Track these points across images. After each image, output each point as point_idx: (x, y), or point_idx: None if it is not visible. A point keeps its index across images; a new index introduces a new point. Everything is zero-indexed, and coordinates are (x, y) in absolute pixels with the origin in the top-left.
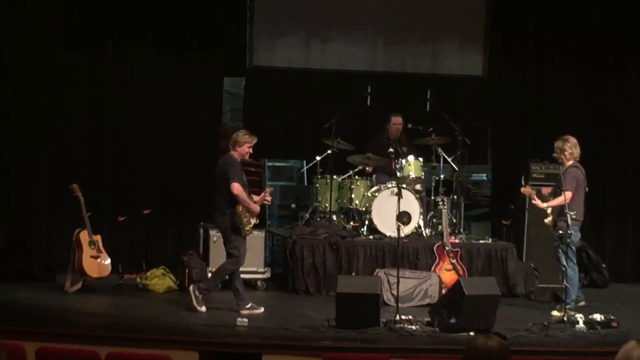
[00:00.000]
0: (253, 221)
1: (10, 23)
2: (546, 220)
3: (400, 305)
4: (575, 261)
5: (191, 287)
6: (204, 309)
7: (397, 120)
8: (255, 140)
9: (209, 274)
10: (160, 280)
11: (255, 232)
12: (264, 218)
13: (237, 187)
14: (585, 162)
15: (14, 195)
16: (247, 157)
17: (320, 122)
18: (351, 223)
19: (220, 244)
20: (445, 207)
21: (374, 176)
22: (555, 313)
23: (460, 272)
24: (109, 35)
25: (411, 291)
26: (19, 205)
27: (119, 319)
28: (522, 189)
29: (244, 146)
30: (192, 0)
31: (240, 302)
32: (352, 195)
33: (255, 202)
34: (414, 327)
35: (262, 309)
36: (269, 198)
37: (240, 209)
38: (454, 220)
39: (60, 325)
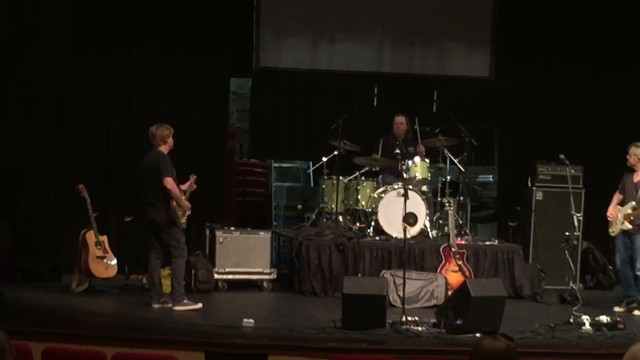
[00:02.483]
0: (185, 216)
1: (17, 24)
2: (619, 229)
3: (406, 306)
4: None
5: (175, 308)
6: (199, 305)
7: (399, 120)
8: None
9: (215, 275)
10: (166, 280)
11: (262, 233)
12: (270, 219)
13: (170, 182)
14: (591, 163)
15: (21, 196)
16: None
17: (326, 123)
18: (357, 224)
19: (228, 245)
20: (451, 208)
21: (380, 177)
22: (617, 309)
23: (467, 274)
24: (115, 36)
25: (417, 292)
26: (26, 206)
27: (125, 319)
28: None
29: (170, 138)
30: (198, 2)
31: (155, 296)
32: (359, 196)
33: (183, 190)
34: (420, 329)
35: (200, 305)
36: (194, 186)
37: (174, 204)
38: (460, 222)
39: (66, 326)
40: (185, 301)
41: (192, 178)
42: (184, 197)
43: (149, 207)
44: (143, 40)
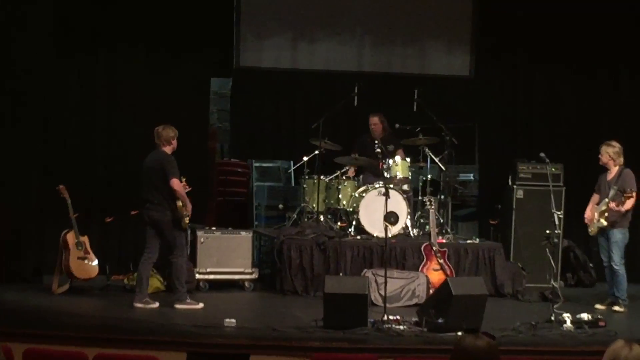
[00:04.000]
0: (187, 216)
1: (1, 28)
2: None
3: (388, 305)
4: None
5: (177, 306)
6: (201, 304)
7: (372, 121)
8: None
9: (196, 275)
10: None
11: (243, 233)
12: (251, 219)
13: (177, 183)
14: (572, 161)
15: (4, 198)
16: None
17: (307, 122)
18: (339, 223)
19: (209, 245)
20: (432, 207)
21: (361, 176)
22: (598, 306)
23: (448, 272)
24: (98, 38)
25: (399, 291)
26: (9, 208)
27: (107, 320)
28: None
29: (175, 140)
30: (179, 2)
31: (139, 294)
32: (340, 196)
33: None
34: (401, 327)
35: (157, 304)
36: (187, 187)
37: (180, 204)
38: (442, 220)
39: (47, 327)
40: (188, 300)
41: (183, 180)
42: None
43: (153, 207)
44: (126, 43)
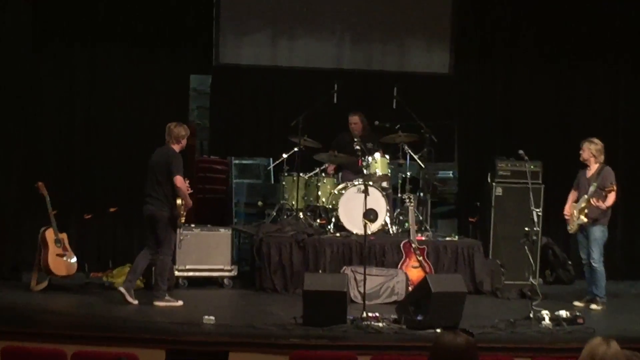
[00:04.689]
0: (184, 215)
1: None
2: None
3: (367, 302)
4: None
5: (156, 303)
6: (180, 302)
7: (352, 120)
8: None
9: (175, 272)
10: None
11: (222, 230)
12: (230, 216)
13: (180, 180)
14: (550, 159)
15: None
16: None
17: (287, 119)
18: (318, 221)
19: (188, 242)
20: (411, 204)
21: (340, 174)
22: (577, 303)
23: (427, 270)
24: (76, 34)
25: (378, 288)
26: None
27: (86, 317)
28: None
29: (184, 140)
30: None
31: (129, 283)
32: (319, 193)
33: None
34: (380, 325)
35: (136, 302)
36: (189, 189)
37: (180, 202)
38: (421, 218)
39: (26, 324)
40: (167, 298)
41: (186, 182)
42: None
43: (153, 201)
44: (105, 39)
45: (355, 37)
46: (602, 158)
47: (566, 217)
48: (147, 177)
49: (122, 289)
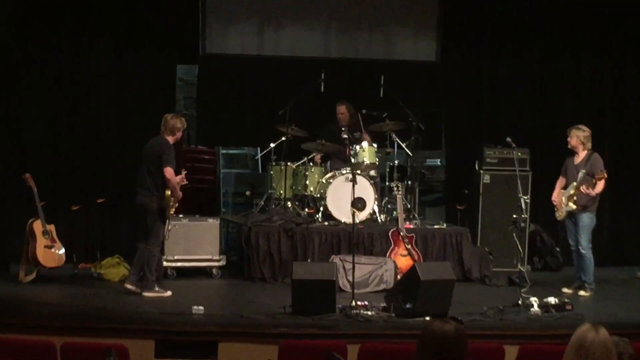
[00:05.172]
0: (175, 205)
1: None
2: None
3: (356, 291)
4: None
5: (145, 294)
6: (169, 292)
7: (340, 110)
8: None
9: (164, 262)
10: (115, 269)
11: (210, 220)
12: (218, 206)
13: (170, 172)
14: (538, 146)
15: None
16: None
17: (274, 109)
18: (306, 210)
19: (176, 232)
20: (399, 192)
21: (328, 162)
22: (565, 290)
23: (416, 258)
24: (61, 24)
25: (367, 277)
26: None
27: (74, 308)
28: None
29: (180, 132)
30: None
31: (144, 284)
32: (307, 182)
33: (177, 182)
34: (369, 313)
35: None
36: (185, 180)
37: (169, 193)
38: (409, 206)
39: (14, 316)
40: (156, 288)
41: (183, 173)
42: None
43: (142, 191)
44: (90, 29)
45: (342, 25)
46: (589, 145)
47: (555, 204)
48: (139, 167)
49: (129, 287)
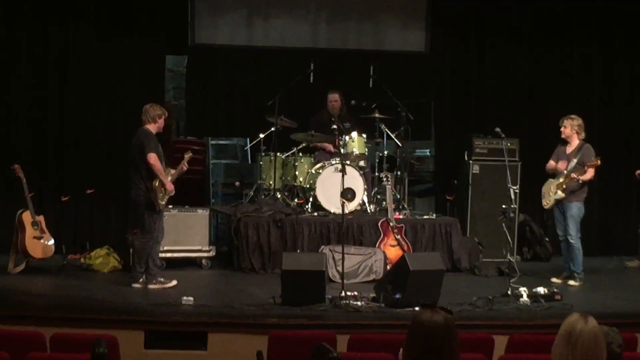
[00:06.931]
0: (167, 196)
1: None
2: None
3: (345, 281)
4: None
5: (151, 287)
6: (174, 282)
7: (333, 98)
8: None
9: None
10: (104, 260)
11: (200, 211)
12: (208, 196)
13: (153, 157)
14: (527, 136)
15: None
16: (161, 130)
17: (263, 99)
18: (295, 200)
19: (166, 223)
20: (389, 183)
21: (316, 153)
22: (554, 280)
23: (405, 248)
24: (49, 13)
25: (356, 267)
26: None
27: (64, 299)
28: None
29: (161, 119)
30: None
31: (148, 277)
32: (296, 173)
33: (172, 174)
34: (359, 303)
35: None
36: (185, 166)
37: (157, 184)
38: (398, 196)
39: (4, 307)
40: (160, 279)
41: (187, 155)
42: (169, 179)
43: (132, 184)
44: (78, 18)
45: (331, 16)
46: (583, 134)
47: (550, 170)
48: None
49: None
